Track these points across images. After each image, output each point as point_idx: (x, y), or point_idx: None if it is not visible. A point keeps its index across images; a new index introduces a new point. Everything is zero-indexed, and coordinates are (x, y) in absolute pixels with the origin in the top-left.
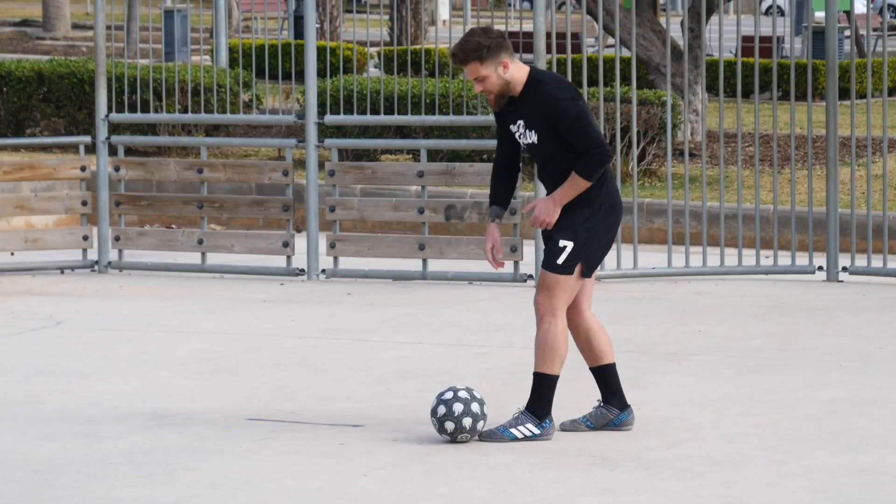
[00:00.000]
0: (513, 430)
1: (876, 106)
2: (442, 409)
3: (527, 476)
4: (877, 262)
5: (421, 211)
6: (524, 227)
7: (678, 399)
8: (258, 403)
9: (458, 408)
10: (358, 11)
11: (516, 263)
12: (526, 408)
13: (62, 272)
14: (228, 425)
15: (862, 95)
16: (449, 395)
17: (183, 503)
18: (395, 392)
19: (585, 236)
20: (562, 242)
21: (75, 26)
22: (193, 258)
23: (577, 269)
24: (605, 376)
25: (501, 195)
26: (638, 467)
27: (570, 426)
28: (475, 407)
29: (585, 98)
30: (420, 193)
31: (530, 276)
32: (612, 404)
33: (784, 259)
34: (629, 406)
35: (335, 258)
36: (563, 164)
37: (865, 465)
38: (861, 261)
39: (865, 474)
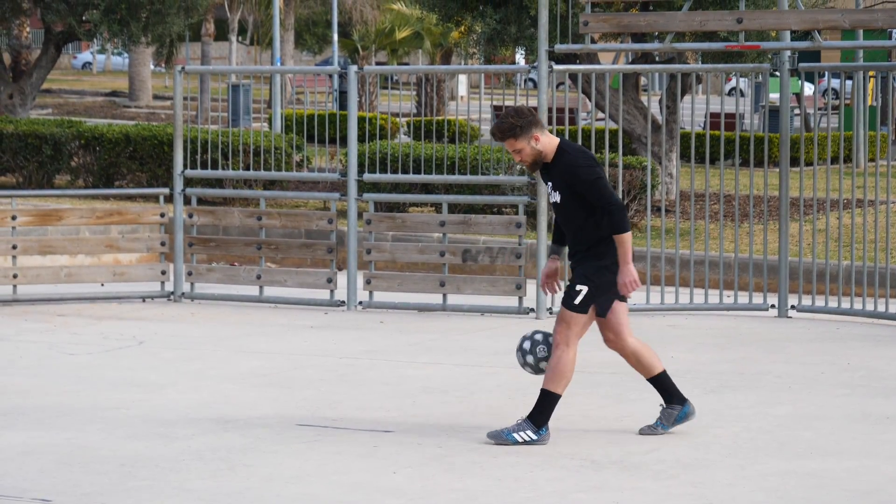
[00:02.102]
0: (515, 435)
1: (820, 172)
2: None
3: (529, 475)
4: (820, 301)
5: (442, 254)
6: (527, 269)
7: (654, 413)
8: (306, 412)
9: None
10: (392, 88)
11: (520, 298)
12: (528, 417)
13: (144, 301)
14: (281, 429)
15: (809, 163)
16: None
17: (243, 493)
18: (419, 404)
19: (597, 283)
20: (578, 287)
21: (156, 97)
22: (252, 291)
23: (592, 309)
24: (661, 383)
25: (558, 237)
26: (621, 469)
27: (648, 431)
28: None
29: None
30: (441, 240)
31: (532, 310)
32: (674, 402)
33: (743, 298)
34: (688, 400)
35: (370, 292)
36: (580, 221)
37: (810, 469)
38: (807, 300)
39: (810, 478)
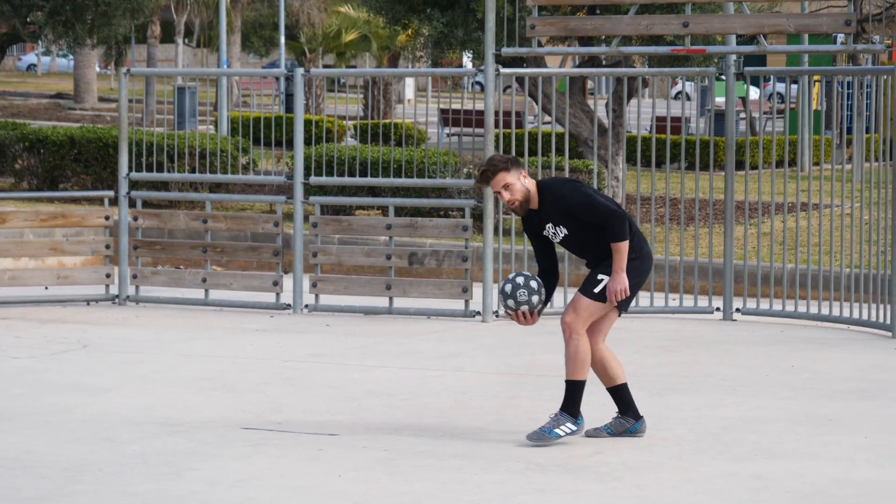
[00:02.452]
0: (556, 430)
1: (765, 176)
2: (508, 288)
3: (474, 478)
4: (764, 304)
5: (388, 257)
6: (473, 272)
7: (599, 416)
8: (251, 415)
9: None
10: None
11: (466, 302)
12: (562, 409)
13: (88, 304)
14: (226, 433)
15: (754, 167)
16: (508, 287)
17: (187, 497)
18: (365, 407)
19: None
20: (600, 276)
21: (101, 99)
22: (198, 294)
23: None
24: (620, 394)
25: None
26: (565, 471)
27: (593, 433)
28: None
29: (527, 167)
30: (388, 243)
31: (478, 313)
32: (628, 415)
33: (688, 301)
34: (642, 417)
35: (317, 295)
36: (598, 238)
37: (754, 472)
38: (752, 303)
39: (754, 480)
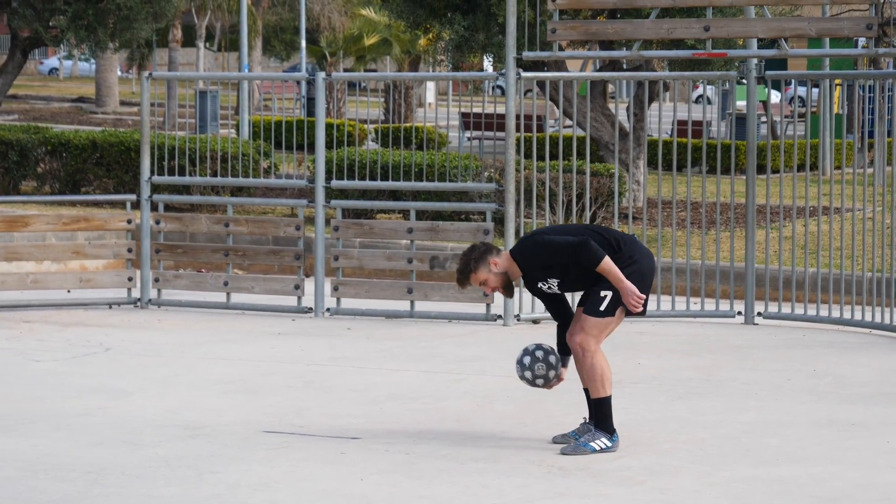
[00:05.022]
0: (593, 444)
1: (786, 180)
2: (527, 361)
3: (496, 482)
4: (786, 308)
5: (410, 261)
6: None
7: (621, 419)
8: (273, 418)
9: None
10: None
11: (488, 305)
12: (597, 427)
13: (110, 307)
14: (248, 436)
15: (775, 171)
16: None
17: (210, 500)
18: (387, 411)
19: (623, 285)
20: (602, 293)
21: (123, 103)
22: (220, 297)
23: (619, 310)
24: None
25: (565, 348)
26: (588, 476)
27: (561, 439)
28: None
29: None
30: (409, 246)
31: (500, 317)
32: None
33: (709, 305)
34: (615, 430)
35: (338, 299)
36: (582, 270)
37: (776, 476)
38: (773, 307)
39: (776, 484)
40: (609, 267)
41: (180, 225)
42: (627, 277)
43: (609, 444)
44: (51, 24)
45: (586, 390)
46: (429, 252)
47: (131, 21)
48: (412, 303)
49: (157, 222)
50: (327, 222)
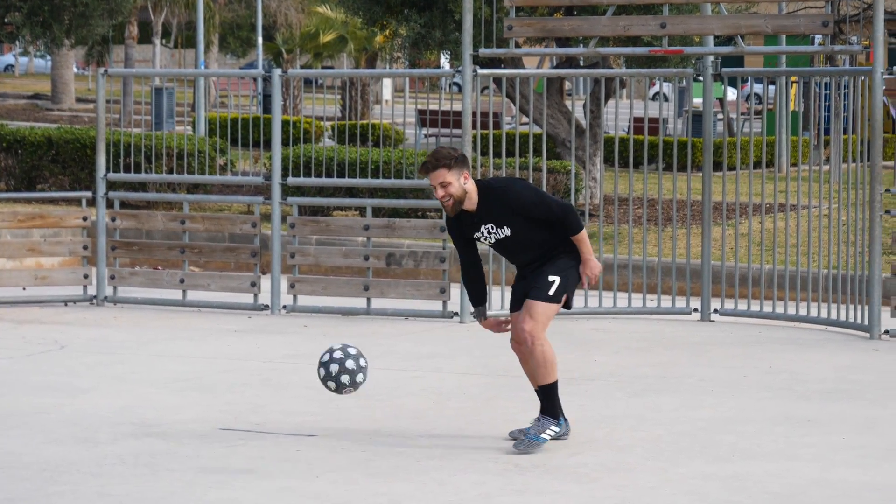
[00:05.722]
0: (542, 435)
1: (743, 177)
2: (322, 372)
3: (452, 479)
4: (742, 305)
5: (366, 258)
6: (451, 273)
7: (577, 416)
8: (229, 416)
9: (334, 368)
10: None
11: (444, 302)
12: (543, 414)
13: (66, 305)
14: (204, 434)
15: (731, 168)
16: (326, 357)
17: (166, 498)
18: (343, 408)
19: (567, 275)
20: (551, 277)
21: (79, 100)
22: (176, 295)
23: (563, 298)
24: (548, 393)
25: (480, 295)
26: (544, 472)
27: (517, 434)
28: (350, 364)
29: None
30: (366, 244)
31: (456, 314)
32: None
33: (666, 302)
34: (562, 414)
35: (294, 296)
36: (541, 239)
37: (732, 472)
38: (729, 304)
39: (733, 480)
40: (586, 239)
41: (136, 222)
42: (568, 263)
43: (558, 429)
44: (6, 20)
45: (537, 390)
46: (385, 249)
47: (87, 17)
48: (369, 300)
49: (113, 219)
50: (284, 219)
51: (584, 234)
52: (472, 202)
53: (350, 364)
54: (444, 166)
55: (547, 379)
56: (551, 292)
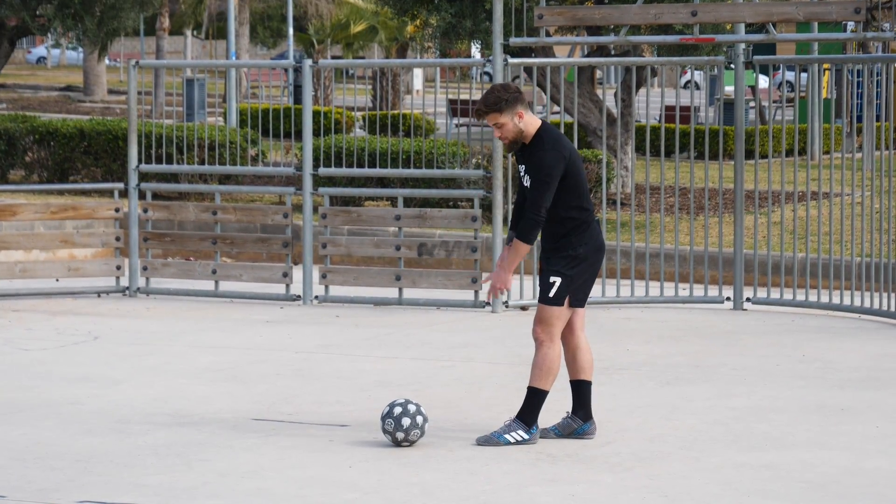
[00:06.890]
0: (506, 436)
1: (775, 165)
2: (390, 424)
3: (484, 469)
4: (775, 294)
5: (398, 248)
6: (483, 263)
7: (609, 406)
8: (261, 406)
9: (406, 422)
10: (347, 82)
11: (476, 292)
12: (517, 416)
13: (99, 296)
14: (236, 424)
15: (763, 156)
16: (398, 410)
17: (199, 488)
18: (375, 398)
19: (571, 273)
20: (552, 279)
21: (111, 91)
22: (208, 285)
23: (567, 300)
24: (580, 390)
25: (516, 224)
26: (576, 462)
27: (541, 434)
28: (419, 419)
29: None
30: (397, 234)
31: (487, 304)
32: (578, 415)
33: (698, 291)
34: (592, 419)
35: (326, 286)
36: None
37: (765, 461)
38: (762, 293)
39: (766, 470)
40: (522, 251)
41: (168, 213)
42: (574, 262)
43: (526, 436)
44: (38, 12)
45: (572, 382)
46: (417, 239)
47: (118, 9)
48: (400, 290)
49: (145, 211)
50: (315, 210)
51: (524, 248)
52: (528, 139)
53: (406, 421)
54: (494, 111)
55: (537, 383)
56: (551, 294)
